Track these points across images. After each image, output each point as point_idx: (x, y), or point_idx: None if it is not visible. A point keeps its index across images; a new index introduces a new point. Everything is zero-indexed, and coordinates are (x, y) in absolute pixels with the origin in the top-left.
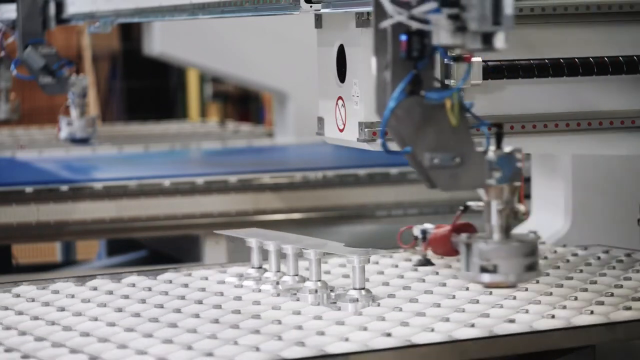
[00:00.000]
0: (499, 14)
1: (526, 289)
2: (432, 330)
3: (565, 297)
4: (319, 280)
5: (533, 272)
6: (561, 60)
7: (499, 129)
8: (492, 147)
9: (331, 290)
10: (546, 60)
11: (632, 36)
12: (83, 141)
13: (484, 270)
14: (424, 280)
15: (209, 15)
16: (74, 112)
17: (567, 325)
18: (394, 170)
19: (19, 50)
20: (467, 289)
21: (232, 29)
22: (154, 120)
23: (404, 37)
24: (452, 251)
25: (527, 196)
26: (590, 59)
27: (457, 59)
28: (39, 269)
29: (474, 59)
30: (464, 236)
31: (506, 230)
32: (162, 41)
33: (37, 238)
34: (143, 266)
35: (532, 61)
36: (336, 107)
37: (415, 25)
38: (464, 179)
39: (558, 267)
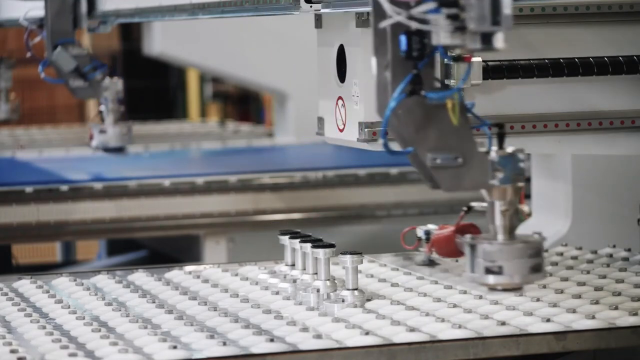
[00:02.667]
0: (497, 14)
1: (520, 294)
2: (413, 330)
3: (565, 299)
4: (328, 280)
5: (538, 273)
6: (561, 60)
7: (501, 128)
8: (495, 147)
9: (334, 290)
10: (546, 60)
11: (632, 36)
12: (117, 150)
13: (488, 271)
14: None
15: (209, 15)
16: (107, 119)
17: (566, 329)
18: (394, 170)
19: (47, 50)
20: (466, 292)
21: (232, 29)
22: (154, 120)
23: (403, 37)
24: (456, 252)
25: (527, 196)
26: (590, 59)
27: (457, 59)
28: (39, 269)
29: (473, 59)
30: (468, 237)
31: (510, 231)
32: (162, 41)
33: (37, 238)
34: (143, 266)
35: (532, 61)
36: (336, 107)
37: (414, 25)
38: (467, 179)
39: (557, 266)
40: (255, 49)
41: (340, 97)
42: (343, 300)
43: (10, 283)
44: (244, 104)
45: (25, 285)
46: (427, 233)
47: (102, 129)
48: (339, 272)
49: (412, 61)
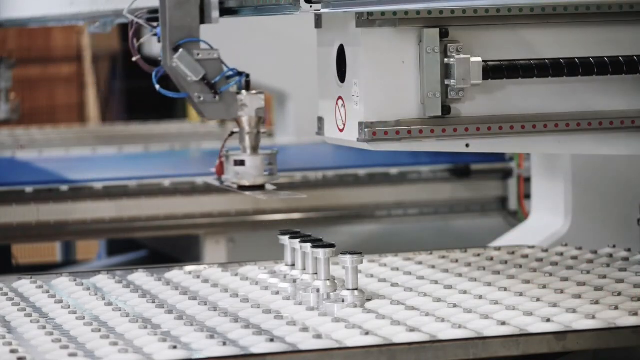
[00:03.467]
0: None
1: (521, 294)
2: (413, 330)
3: (565, 299)
4: (328, 280)
5: None
6: (561, 60)
7: None
8: None
9: (334, 290)
10: (546, 60)
11: (632, 36)
12: (257, 188)
13: None
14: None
15: None
16: (243, 146)
17: (566, 329)
18: (394, 170)
19: (163, 54)
20: (465, 292)
21: (232, 29)
22: (154, 120)
23: None
24: None
25: (527, 196)
26: (590, 59)
27: None
28: (39, 269)
29: (473, 59)
30: None
31: None
32: None
33: (37, 238)
34: (143, 266)
35: (532, 61)
36: (336, 107)
37: None
38: None
39: (557, 266)
40: (255, 49)
41: (340, 97)
42: (343, 300)
43: (10, 283)
44: None
45: (25, 285)
46: None
47: (238, 159)
48: (339, 272)
49: None
